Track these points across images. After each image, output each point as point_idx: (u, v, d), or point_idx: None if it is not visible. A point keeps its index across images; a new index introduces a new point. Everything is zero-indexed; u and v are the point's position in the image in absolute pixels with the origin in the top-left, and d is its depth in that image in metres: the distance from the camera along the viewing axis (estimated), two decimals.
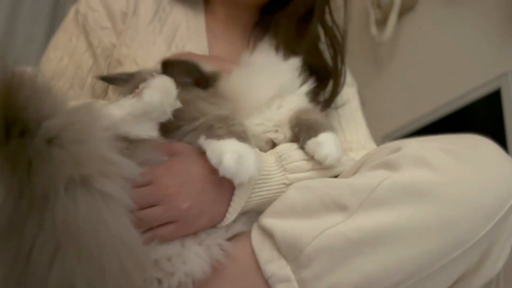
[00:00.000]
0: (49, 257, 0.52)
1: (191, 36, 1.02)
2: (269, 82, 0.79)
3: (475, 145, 0.67)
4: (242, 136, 0.66)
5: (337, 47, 1.06)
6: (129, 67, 0.97)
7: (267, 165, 0.72)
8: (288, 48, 0.99)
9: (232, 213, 0.69)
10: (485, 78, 1.43)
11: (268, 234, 0.68)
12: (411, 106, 1.69)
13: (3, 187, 0.53)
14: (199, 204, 0.67)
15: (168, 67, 0.75)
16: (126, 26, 1.01)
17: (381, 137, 1.68)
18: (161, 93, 0.65)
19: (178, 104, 0.68)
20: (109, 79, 0.87)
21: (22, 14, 1.94)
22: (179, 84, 0.73)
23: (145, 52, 0.98)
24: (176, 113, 0.70)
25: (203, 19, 1.06)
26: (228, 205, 0.69)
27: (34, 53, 1.87)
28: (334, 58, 1.05)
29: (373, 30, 1.76)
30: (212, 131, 0.67)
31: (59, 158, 0.54)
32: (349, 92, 1.07)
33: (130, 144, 0.64)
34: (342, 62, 1.06)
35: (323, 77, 1.01)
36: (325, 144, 0.72)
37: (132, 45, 0.99)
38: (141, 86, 0.67)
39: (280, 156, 0.73)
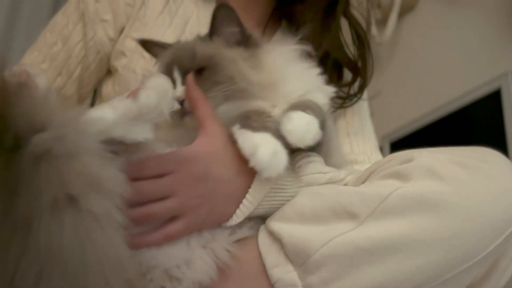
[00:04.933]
0: (33, 282, 0.50)
1: (202, 29, 1.01)
2: (300, 84, 0.78)
3: (486, 158, 0.67)
4: (275, 134, 0.66)
5: (364, 38, 1.04)
6: (136, 61, 0.97)
7: (285, 175, 0.70)
8: (314, 41, 0.98)
9: (240, 215, 0.68)
10: (485, 78, 1.43)
11: (275, 238, 0.67)
12: (411, 106, 1.69)
13: None
14: (210, 203, 0.66)
15: (224, 9, 0.75)
16: (133, 17, 1.00)
17: (381, 137, 1.68)
18: (158, 93, 0.63)
19: (176, 105, 0.67)
20: (147, 44, 0.84)
21: (22, 15, 1.94)
22: (224, 36, 0.75)
23: None
24: (217, 68, 0.72)
25: None
26: (237, 207, 0.68)
27: None
28: (361, 48, 1.03)
29: (373, 30, 1.76)
30: (247, 122, 0.66)
31: (45, 178, 0.52)
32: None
33: (128, 147, 0.62)
34: (369, 52, 1.03)
35: (350, 70, 1.01)
36: (294, 119, 0.67)
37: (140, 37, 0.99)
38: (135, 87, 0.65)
39: (298, 167, 0.72)
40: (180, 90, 0.72)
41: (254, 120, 0.67)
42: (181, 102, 0.71)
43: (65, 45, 0.99)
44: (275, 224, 0.68)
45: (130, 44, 0.98)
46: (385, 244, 0.61)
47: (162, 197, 0.64)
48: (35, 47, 1.00)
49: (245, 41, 0.77)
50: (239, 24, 0.76)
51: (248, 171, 0.67)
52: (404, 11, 1.76)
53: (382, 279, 0.61)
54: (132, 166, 0.62)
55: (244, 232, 0.70)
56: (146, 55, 0.97)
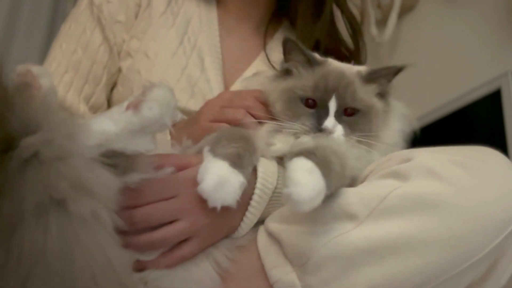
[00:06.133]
0: None
1: (203, 30, 1.02)
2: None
3: (486, 158, 0.67)
4: (236, 162, 0.64)
5: (356, 26, 1.07)
6: (139, 61, 0.97)
7: (282, 183, 0.71)
8: (305, 31, 1.00)
9: (245, 227, 0.69)
10: (485, 78, 1.43)
11: (275, 239, 0.68)
12: (411, 106, 1.69)
13: None
14: (219, 218, 0.66)
15: (399, 70, 0.79)
16: (139, 18, 1.00)
17: None
18: (161, 105, 0.61)
19: (180, 116, 0.65)
20: (290, 45, 0.80)
21: (22, 15, 1.93)
22: (379, 86, 0.78)
23: (157, 45, 0.98)
24: (366, 117, 0.75)
25: (215, 12, 1.06)
26: (243, 217, 0.69)
27: (33, 54, 1.87)
28: (354, 36, 1.06)
29: (373, 30, 1.76)
30: (215, 146, 0.66)
31: (30, 182, 0.51)
32: None
33: (128, 158, 0.61)
34: (361, 39, 1.06)
35: (343, 58, 1.02)
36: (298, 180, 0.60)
37: (144, 38, 0.98)
38: (134, 97, 0.63)
39: None
40: (331, 121, 0.72)
41: (222, 146, 0.66)
42: (324, 131, 0.71)
43: (85, 52, 0.97)
44: (274, 225, 0.68)
45: (134, 44, 0.98)
46: (384, 245, 0.61)
47: (171, 220, 0.65)
48: (52, 60, 0.98)
49: (386, 95, 0.79)
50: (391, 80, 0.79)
51: (248, 183, 0.67)
52: (404, 11, 1.75)
53: (382, 280, 0.61)
54: (135, 192, 0.62)
55: (246, 237, 0.70)
56: (150, 54, 0.97)
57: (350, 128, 0.74)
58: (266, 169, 0.70)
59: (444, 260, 0.61)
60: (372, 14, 1.77)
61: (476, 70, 1.51)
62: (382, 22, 1.77)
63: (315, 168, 0.60)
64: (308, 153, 0.62)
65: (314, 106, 0.74)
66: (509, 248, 0.65)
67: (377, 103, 0.78)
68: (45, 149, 0.53)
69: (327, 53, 0.97)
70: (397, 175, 0.66)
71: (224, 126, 0.76)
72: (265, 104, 0.79)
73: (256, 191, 0.69)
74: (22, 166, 0.52)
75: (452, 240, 0.61)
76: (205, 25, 1.03)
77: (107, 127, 0.59)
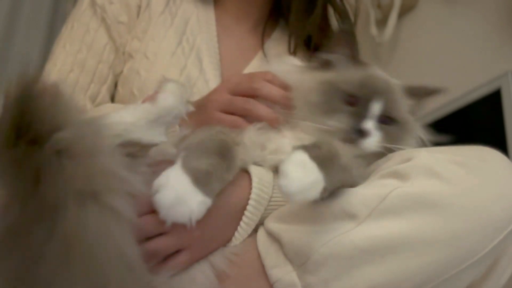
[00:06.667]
0: (55, 267, 0.52)
1: (202, 30, 1.02)
2: None
3: (486, 158, 0.67)
4: (200, 179, 0.60)
5: (348, 22, 1.07)
6: (139, 61, 0.97)
7: (278, 193, 0.71)
8: (298, 27, 1.00)
9: (239, 237, 0.69)
10: (485, 78, 1.43)
11: (274, 238, 0.67)
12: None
13: (4, 191, 0.52)
14: (211, 230, 0.66)
15: (437, 92, 0.80)
16: (139, 19, 1.01)
17: None
18: (175, 96, 0.65)
19: (191, 108, 0.67)
20: (342, 42, 0.78)
21: (22, 15, 1.94)
22: (417, 103, 0.79)
23: (156, 45, 0.98)
24: (402, 131, 0.75)
25: (213, 12, 1.06)
26: (237, 228, 0.68)
27: (33, 54, 1.87)
28: None
29: (373, 30, 1.76)
30: (190, 153, 0.62)
31: (71, 170, 0.53)
32: None
33: (142, 149, 0.64)
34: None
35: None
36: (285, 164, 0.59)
37: (144, 38, 0.99)
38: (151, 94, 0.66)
39: None
40: (371, 123, 0.71)
41: (196, 157, 0.62)
42: (361, 132, 0.70)
43: (90, 51, 0.97)
44: (274, 224, 0.68)
45: (135, 45, 0.98)
46: (384, 244, 0.61)
47: (161, 232, 0.64)
48: (55, 60, 0.97)
49: (413, 114, 0.79)
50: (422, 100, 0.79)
51: (243, 193, 0.67)
52: (404, 11, 1.75)
53: (382, 279, 0.61)
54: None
55: (244, 242, 0.70)
56: (149, 55, 0.97)
57: (385, 138, 0.72)
58: (261, 178, 0.70)
59: (444, 260, 0.61)
60: (372, 14, 1.77)
61: (476, 70, 1.51)
62: (382, 22, 1.77)
63: (308, 160, 0.59)
64: (311, 146, 0.61)
65: (354, 105, 0.72)
66: (509, 248, 0.65)
67: (412, 119, 0.77)
68: (77, 143, 0.55)
69: (317, 49, 0.97)
70: (397, 175, 0.65)
71: (236, 120, 0.74)
72: (283, 87, 0.75)
73: (251, 201, 0.68)
74: (58, 156, 0.54)
75: (452, 240, 0.61)
76: (203, 25, 1.03)
77: (125, 116, 0.63)
